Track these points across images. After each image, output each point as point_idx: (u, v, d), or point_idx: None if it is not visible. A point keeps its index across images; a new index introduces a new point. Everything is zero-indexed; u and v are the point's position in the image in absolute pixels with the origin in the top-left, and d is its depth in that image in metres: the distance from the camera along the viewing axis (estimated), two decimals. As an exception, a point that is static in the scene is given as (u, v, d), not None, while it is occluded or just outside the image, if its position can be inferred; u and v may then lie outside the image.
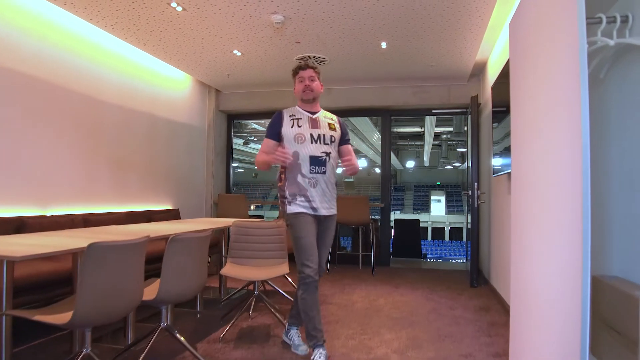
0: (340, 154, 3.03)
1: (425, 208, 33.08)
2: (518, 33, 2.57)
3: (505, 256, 4.39)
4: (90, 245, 2.01)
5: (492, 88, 4.56)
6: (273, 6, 3.90)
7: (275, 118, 2.97)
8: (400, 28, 4.37)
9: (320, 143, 2.87)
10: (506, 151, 3.93)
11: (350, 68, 5.75)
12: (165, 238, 3.20)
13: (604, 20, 1.80)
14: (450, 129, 17.80)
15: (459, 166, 30.19)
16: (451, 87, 6.43)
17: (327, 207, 2.89)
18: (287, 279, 4.89)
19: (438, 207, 32.94)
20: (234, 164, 24.27)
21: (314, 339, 2.80)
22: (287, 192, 2.89)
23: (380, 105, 6.73)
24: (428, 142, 22.31)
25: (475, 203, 5.26)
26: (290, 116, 2.94)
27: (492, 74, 5.06)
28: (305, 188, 2.84)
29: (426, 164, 29.90)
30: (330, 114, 3.08)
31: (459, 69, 5.72)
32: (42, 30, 4.00)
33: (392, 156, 25.40)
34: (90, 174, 4.62)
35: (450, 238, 31.10)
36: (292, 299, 4.23)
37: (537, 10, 2.13)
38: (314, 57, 5.25)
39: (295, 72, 3.00)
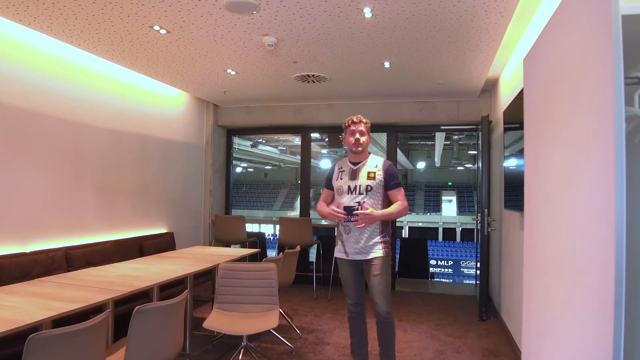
0: (390, 198, 3.15)
1: (437, 208, 32.63)
2: (534, 73, 2.25)
3: (516, 291, 4.06)
4: (31, 339, 1.72)
5: (504, 113, 4.21)
6: (263, 28, 3.59)
7: (329, 171, 3.33)
8: (403, 49, 4.03)
9: (355, 194, 3.08)
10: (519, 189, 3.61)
11: (352, 85, 5.42)
12: (139, 292, 2.95)
13: (644, 81, 1.46)
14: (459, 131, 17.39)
15: (471, 167, 29.72)
16: (460, 103, 6.06)
17: (363, 253, 3.07)
18: (280, 312, 4.58)
19: (449, 207, 32.45)
20: (244, 164, 24.19)
21: (351, 354, 3.30)
22: (336, 233, 3.28)
23: (386, 122, 6.37)
24: (439, 143, 21.91)
25: (485, 231, 4.92)
26: (339, 169, 3.24)
27: (505, 93, 4.70)
28: (342, 234, 3.15)
29: (437, 164, 29.46)
30: (378, 160, 3.17)
31: (469, 87, 5.37)
32: (16, 54, 3.72)
33: (403, 156, 25.16)
34: (75, 203, 4.36)
35: (462, 239, 30.62)
36: (285, 341, 3.96)
37: (559, 54, 1.81)
38: (313, 75, 4.93)
39: (347, 125, 3.17)
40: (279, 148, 21.92)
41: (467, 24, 3.43)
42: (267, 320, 3.21)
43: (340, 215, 3.00)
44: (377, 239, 3.07)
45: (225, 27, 3.58)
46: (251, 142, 18.31)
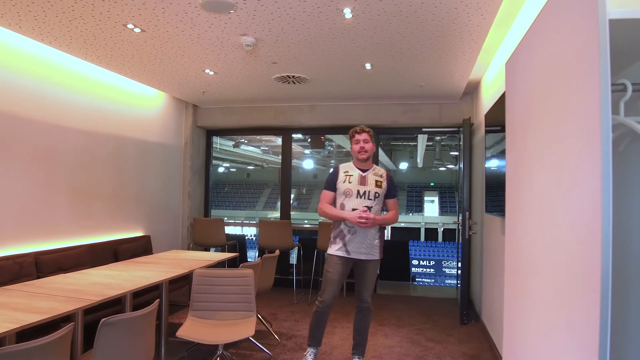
0: (385, 206, 3.53)
1: (419, 209, 32.78)
2: (516, 77, 2.21)
3: (497, 295, 4.03)
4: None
5: (486, 116, 4.18)
6: (241, 28, 3.49)
7: (332, 173, 3.52)
8: (385, 51, 3.97)
9: (364, 198, 3.37)
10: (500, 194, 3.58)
11: (334, 87, 5.34)
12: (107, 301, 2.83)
13: (629, 88, 1.40)
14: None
15: (453, 167, 29.93)
16: (443, 105, 6.04)
17: (364, 253, 3.38)
18: (259, 318, 4.49)
19: (431, 207, 32.63)
20: (226, 164, 23.88)
21: (310, 342, 3.54)
22: (332, 234, 3.47)
23: (368, 124, 6.27)
24: (422, 144, 21.98)
25: (467, 234, 4.88)
26: (344, 172, 3.47)
27: (487, 96, 4.68)
28: (345, 234, 3.38)
29: (420, 164, 29.60)
30: (382, 170, 3.54)
31: (451, 89, 5.33)
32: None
33: (386, 157, 25.22)
34: (46, 206, 4.20)
35: (444, 239, 30.83)
36: (263, 348, 3.88)
37: (542, 58, 1.76)
38: (293, 76, 4.84)
39: (352, 135, 3.49)
40: (262, 148, 21.77)
41: (449, 26, 3.38)
42: (243, 328, 3.12)
43: (368, 223, 3.26)
44: (377, 242, 3.42)
45: (202, 27, 3.47)
46: (233, 142, 18.13)
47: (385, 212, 3.56)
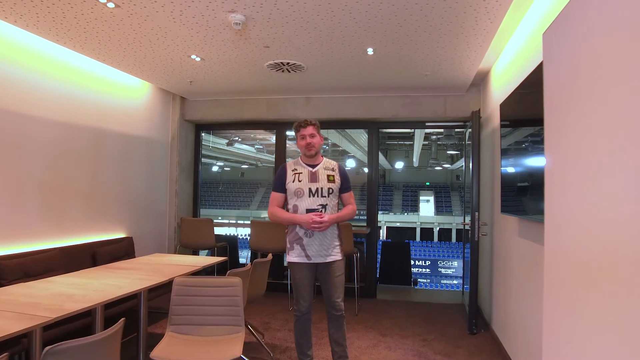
0: (342, 200, 3.30)
1: (414, 208, 32.54)
2: (563, 46, 1.80)
3: (512, 303, 3.65)
4: None
5: (502, 106, 3.77)
6: (229, 3, 3.07)
7: (279, 172, 3.24)
8: (390, 32, 3.57)
9: (317, 196, 3.12)
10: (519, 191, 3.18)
11: (331, 76, 4.92)
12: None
13: None
14: (440, 130, 17.12)
15: (449, 167, 29.68)
16: (447, 97, 5.63)
17: (324, 255, 3.13)
18: (249, 329, 4.08)
19: (427, 207, 32.40)
20: (220, 163, 23.48)
21: None
22: (287, 238, 3.20)
23: (366, 118, 5.90)
24: (418, 142, 21.64)
25: (476, 236, 4.49)
26: (292, 170, 3.20)
27: (498, 86, 4.28)
28: (302, 238, 3.12)
29: (415, 164, 29.32)
30: (332, 163, 3.28)
31: (458, 79, 4.93)
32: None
33: (381, 156, 24.89)
34: (13, 204, 3.77)
35: (439, 239, 30.62)
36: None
37: (595, 28, 1.35)
38: (287, 63, 4.43)
39: (297, 130, 3.21)
40: (256, 147, 21.44)
41: (463, 2, 2.98)
42: (229, 347, 2.69)
43: (317, 223, 3.02)
44: (337, 242, 3.19)
45: (184, 1, 3.05)
46: (227, 141, 17.72)
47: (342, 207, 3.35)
